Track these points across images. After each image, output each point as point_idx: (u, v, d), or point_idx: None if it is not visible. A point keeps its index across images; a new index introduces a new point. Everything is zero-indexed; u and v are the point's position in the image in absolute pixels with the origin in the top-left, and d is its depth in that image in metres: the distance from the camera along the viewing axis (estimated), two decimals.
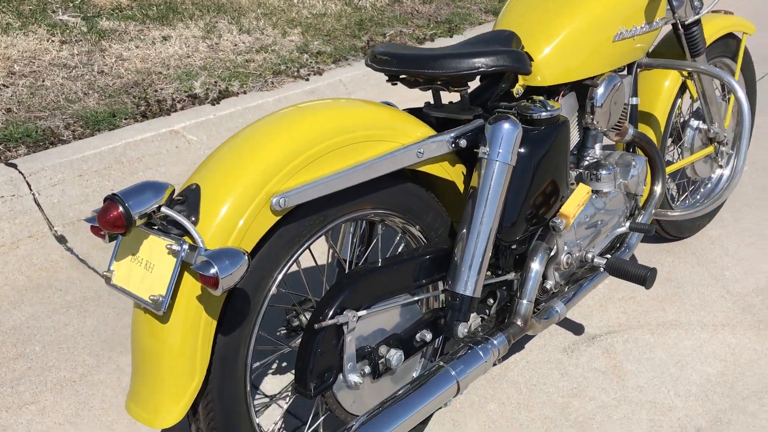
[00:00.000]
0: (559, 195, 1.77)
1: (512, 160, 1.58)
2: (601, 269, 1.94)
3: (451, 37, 4.80)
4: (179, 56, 3.81)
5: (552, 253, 1.78)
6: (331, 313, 1.40)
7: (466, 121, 1.67)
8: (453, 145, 1.58)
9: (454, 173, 1.65)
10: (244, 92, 3.41)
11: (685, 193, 2.80)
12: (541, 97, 1.73)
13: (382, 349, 1.51)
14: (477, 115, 1.68)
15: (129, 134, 3.04)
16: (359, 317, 1.44)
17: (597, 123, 1.94)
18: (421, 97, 2.58)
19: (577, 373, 2.14)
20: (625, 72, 2.17)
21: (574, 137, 2.04)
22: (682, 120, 2.62)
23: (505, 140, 1.57)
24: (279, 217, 1.34)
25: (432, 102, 1.77)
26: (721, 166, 2.72)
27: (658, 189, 2.24)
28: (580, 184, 1.75)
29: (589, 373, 2.14)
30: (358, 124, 1.44)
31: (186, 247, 1.21)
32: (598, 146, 2.12)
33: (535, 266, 1.75)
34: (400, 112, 1.56)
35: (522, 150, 1.64)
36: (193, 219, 1.26)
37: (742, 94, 2.15)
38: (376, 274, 1.49)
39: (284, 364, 2.14)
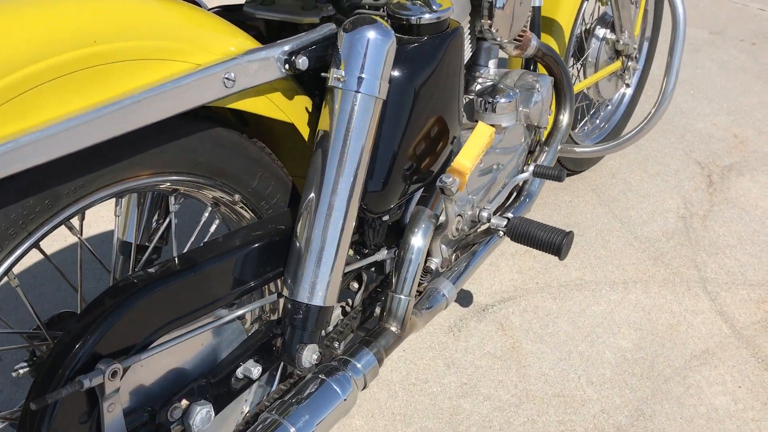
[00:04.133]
0: (448, 138, 1.21)
1: (381, 90, 0.99)
2: (500, 234, 1.42)
3: None
4: None
5: (439, 222, 1.24)
6: (67, 373, 0.79)
7: (310, 26, 1.06)
8: (286, 65, 0.96)
9: (294, 111, 1.04)
10: None
11: (584, 119, 2.34)
12: None
13: (175, 411, 0.92)
14: (327, 17, 1.07)
15: None
16: (124, 370, 0.84)
17: (496, 32, 1.38)
18: None
19: (467, 361, 1.66)
20: None
21: (466, 52, 1.48)
22: (584, 29, 2.11)
23: (371, 59, 0.97)
24: None
25: None
26: (627, 85, 2.26)
27: (564, 118, 1.74)
28: (479, 123, 1.19)
29: (481, 360, 1.66)
30: (119, 28, 0.79)
31: None
32: (492, 63, 1.58)
33: (417, 242, 1.20)
34: (203, 13, 0.93)
35: (396, 73, 1.05)
36: None
37: None
38: (162, 286, 0.87)
39: None
